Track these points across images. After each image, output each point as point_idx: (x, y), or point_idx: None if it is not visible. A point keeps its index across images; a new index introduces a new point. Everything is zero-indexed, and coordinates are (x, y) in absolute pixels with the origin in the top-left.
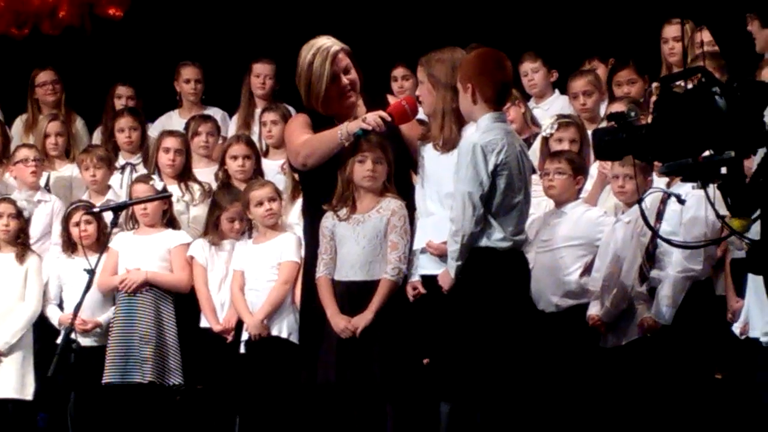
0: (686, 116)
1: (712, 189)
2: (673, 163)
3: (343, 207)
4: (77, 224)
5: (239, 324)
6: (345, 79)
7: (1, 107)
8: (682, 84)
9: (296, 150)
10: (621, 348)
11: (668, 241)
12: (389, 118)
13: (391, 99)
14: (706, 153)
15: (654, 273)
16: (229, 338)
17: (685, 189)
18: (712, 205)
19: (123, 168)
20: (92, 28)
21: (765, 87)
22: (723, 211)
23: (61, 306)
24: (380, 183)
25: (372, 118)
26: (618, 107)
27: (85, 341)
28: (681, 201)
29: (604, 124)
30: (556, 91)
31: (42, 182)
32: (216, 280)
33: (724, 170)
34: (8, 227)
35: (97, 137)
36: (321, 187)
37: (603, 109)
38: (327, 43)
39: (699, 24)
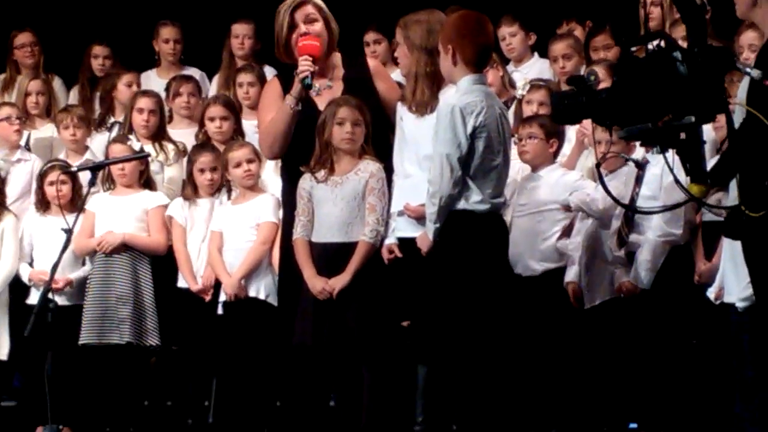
0: (646, 81)
1: (671, 154)
2: (632, 127)
3: (321, 169)
4: (52, 183)
5: (217, 285)
6: (303, 28)
7: None
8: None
9: (260, 143)
10: (597, 310)
11: (624, 206)
12: (311, 59)
13: (370, 62)
14: (666, 118)
15: (633, 237)
16: (207, 298)
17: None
18: (671, 170)
19: (111, 126)
20: None
21: (726, 52)
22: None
23: (31, 264)
24: (358, 145)
25: (301, 67)
26: None
27: (62, 301)
28: (639, 165)
29: None
30: (535, 54)
31: (22, 141)
32: (194, 241)
33: (683, 135)
34: None
35: (73, 97)
36: (297, 149)
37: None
38: None
39: None
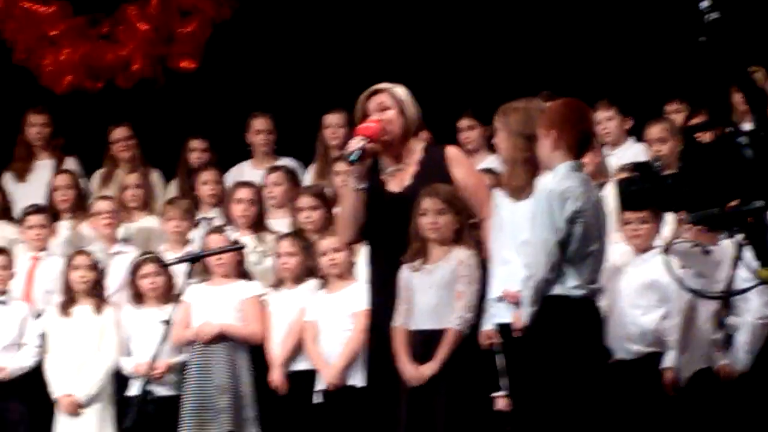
0: (713, 166)
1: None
2: (699, 212)
3: (416, 258)
4: (145, 276)
5: (308, 373)
6: (375, 116)
7: (80, 160)
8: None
9: (337, 230)
10: (692, 391)
11: (695, 291)
12: (364, 139)
13: (448, 149)
14: (733, 203)
15: (731, 319)
16: (282, 391)
17: None
18: (739, 254)
19: (197, 223)
20: (165, 81)
21: None
22: None
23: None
24: (446, 234)
25: (351, 144)
26: None
27: (162, 392)
28: (706, 252)
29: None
30: (632, 138)
31: (121, 234)
32: (288, 330)
33: (751, 220)
34: (85, 279)
35: (173, 191)
36: (373, 233)
37: None
38: (377, 85)
39: None
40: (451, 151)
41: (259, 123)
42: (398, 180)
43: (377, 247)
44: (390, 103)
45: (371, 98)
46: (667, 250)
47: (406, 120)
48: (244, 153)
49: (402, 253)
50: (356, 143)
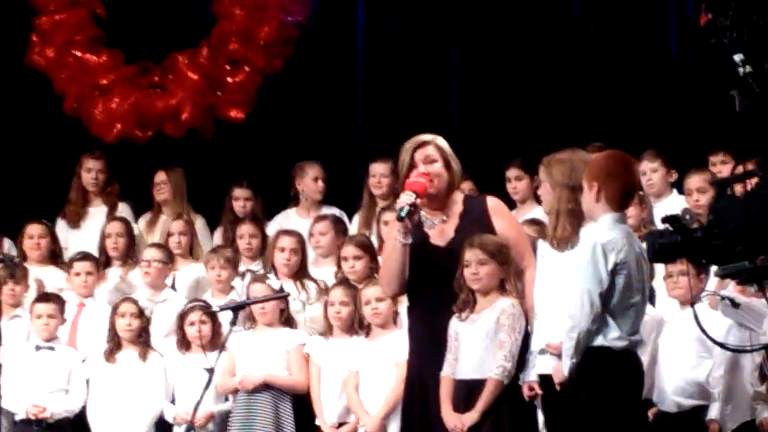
0: (742, 219)
1: None
2: (729, 266)
3: (464, 309)
4: (193, 323)
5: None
6: (422, 168)
7: (133, 207)
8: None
9: (380, 283)
10: None
11: (720, 344)
12: (413, 195)
13: (490, 200)
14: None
15: None
16: None
17: None
18: None
19: (243, 274)
20: (214, 130)
21: None
22: None
23: (173, 403)
24: (489, 284)
25: (400, 199)
26: None
27: None
28: (735, 304)
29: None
30: (675, 191)
31: (168, 281)
32: (334, 379)
33: None
34: (131, 326)
35: (218, 238)
36: (420, 291)
37: None
38: (421, 136)
39: None
40: (492, 202)
41: (314, 170)
42: (441, 233)
43: (420, 300)
44: (437, 155)
45: (418, 150)
46: (693, 303)
47: (452, 173)
48: (286, 202)
49: (445, 307)
50: (406, 199)
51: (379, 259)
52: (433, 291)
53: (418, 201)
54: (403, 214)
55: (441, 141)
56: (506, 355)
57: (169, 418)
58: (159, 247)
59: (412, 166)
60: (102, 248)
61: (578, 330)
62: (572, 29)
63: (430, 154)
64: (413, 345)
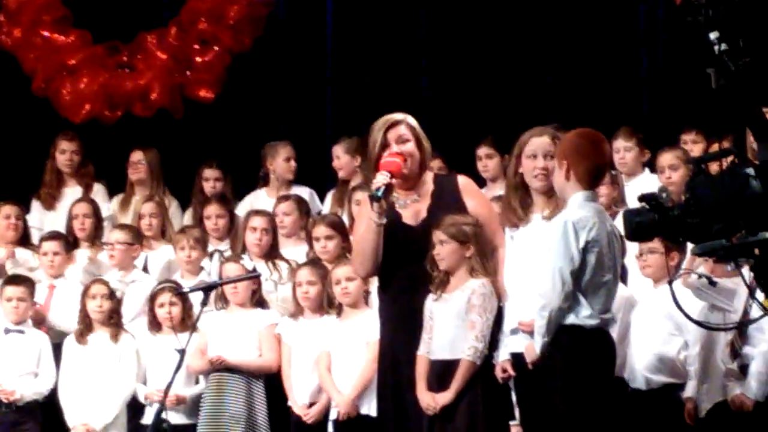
0: (719, 197)
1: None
2: (706, 244)
3: (438, 289)
4: (163, 305)
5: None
6: (395, 148)
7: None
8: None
9: (352, 263)
10: (708, 421)
11: (697, 322)
12: (388, 175)
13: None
14: (740, 234)
15: (746, 349)
16: (308, 419)
17: None
18: (749, 286)
19: (211, 254)
20: (184, 110)
21: None
22: None
23: (144, 384)
24: (452, 263)
25: (375, 180)
26: None
27: (176, 419)
28: (712, 282)
29: None
30: (646, 170)
31: (140, 263)
32: (304, 359)
33: (757, 251)
34: (102, 308)
35: (188, 218)
36: (392, 271)
37: None
38: (392, 115)
39: None
40: (463, 181)
41: (286, 150)
42: (414, 212)
43: (392, 280)
44: (409, 134)
45: (390, 129)
46: (671, 281)
47: (423, 152)
48: (255, 182)
49: (417, 287)
50: (381, 179)
51: (351, 238)
52: (405, 271)
53: (393, 181)
54: (379, 194)
55: (412, 120)
56: (477, 335)
57: (141, 398)
58: (123, 228)
59: (384, 145)
60: (69, 229)
61: (550, 308)
62: (544, 4)
63: (402, 133)
64: (385, 325)
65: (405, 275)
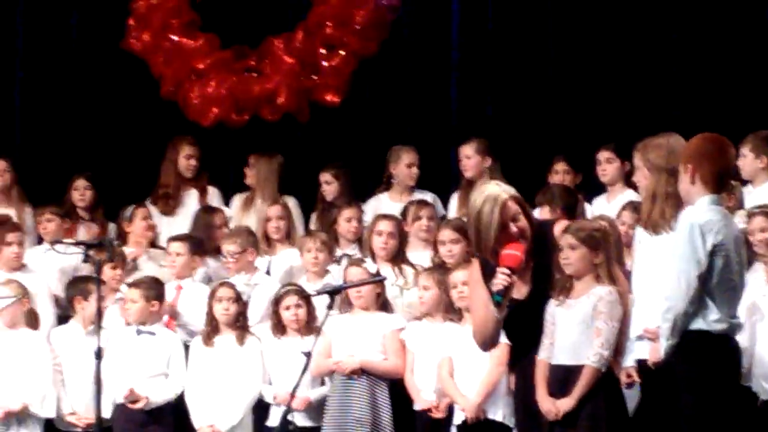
0: None
1: None
2: None
3: (562, 294)
4: (288, 308)
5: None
6: (514, 227)
7: (221, 192)
8: None
9: (473, 335)
10: None
11: None
12: (509, 272)
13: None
14: None
15: None
16: (438, 415)
17: None
18: None
19: (339, 259)
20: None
21: None
22: None
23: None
24: (580, 269)
25: (497, 280)
26: None
27: (301, 421)
28: None
29: None
30: None
31: (264, 266)
32: (428, 364)
33: None
34: (228, 311)
35: (313, 222)
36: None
37: None
38: (496, 190)
39: None
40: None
41: (409, 157)
42: (518, 286)
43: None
44: (517, 208)
45: (503, 210)
46: None
47: (530, 219)
48: (375, 186)
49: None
50: (502, 279)
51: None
52: (518, 343)
53: (515, 279)
54: (499, 299)
55: (515, 193)
56: (603, 342)
57: (269, 399)
58: (235, 241)
59: (503, 224)
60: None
61: (675, 311)
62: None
63: (514, 211)
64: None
65: (519, 347)
